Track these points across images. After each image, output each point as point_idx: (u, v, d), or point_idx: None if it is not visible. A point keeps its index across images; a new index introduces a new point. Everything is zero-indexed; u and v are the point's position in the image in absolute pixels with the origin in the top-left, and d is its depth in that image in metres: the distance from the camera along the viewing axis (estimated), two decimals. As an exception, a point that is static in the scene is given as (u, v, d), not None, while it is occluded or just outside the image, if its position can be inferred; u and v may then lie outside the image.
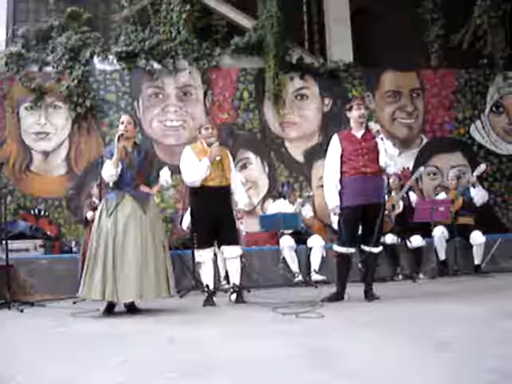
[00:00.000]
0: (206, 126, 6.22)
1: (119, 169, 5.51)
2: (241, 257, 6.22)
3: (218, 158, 6.01)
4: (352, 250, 5.80)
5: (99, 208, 5.64)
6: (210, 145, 6.06)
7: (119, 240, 5.40)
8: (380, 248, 5.90)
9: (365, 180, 5.68)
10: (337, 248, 5.89)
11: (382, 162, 5.70)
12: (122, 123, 5.70)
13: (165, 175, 5.92)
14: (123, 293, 5.33)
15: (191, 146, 6.31)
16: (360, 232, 5.91)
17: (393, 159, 5.73)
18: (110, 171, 5.49)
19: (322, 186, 9.70)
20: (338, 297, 5.76)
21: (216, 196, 5.99)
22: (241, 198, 6.32)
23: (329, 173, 5.92)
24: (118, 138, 5.54)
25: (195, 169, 5.98)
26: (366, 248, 5.83)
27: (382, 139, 5.70)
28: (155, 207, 5.96)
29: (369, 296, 5.69)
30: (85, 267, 5.46)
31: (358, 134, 5.82)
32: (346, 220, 5.78)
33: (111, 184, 5.62)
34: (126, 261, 5.37)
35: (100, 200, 6.22)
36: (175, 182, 9.59)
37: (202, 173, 5.93)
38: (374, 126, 5.78)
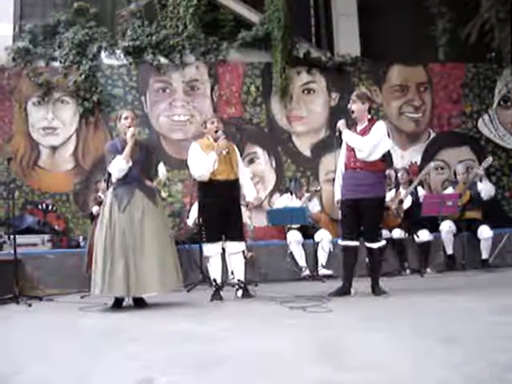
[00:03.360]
0: (212, 120, 6.23)
1: (129, 164, 5.53)
2: (243, 251, 6.24)
3: (225, 152, 6.02)
4: (354, 243, 5.81)
5: (107, 203, 5.61)
6: (216, 139, 6.08)
7: (137, 235, 5.46)
8: (380, 243, 5.86)
9: (354, 174, 5.75)
10: (340, 241, 5.98)
11: (357, 156, 5.70)
12: (126, 118, 5.73)
13: (161, 169, 6.03)
14: (146, 287, 5.42)
15: (198, 141, 6.32)
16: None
17: (363, 150, 5.62)
18: (121, 166, 5.50)
19: (329, 181, 9.76)
20: (344, 290, 5.77)
21: (224, 190, 6.00)
22: (249, 192, 6.33)
23: (337, 168, 6.05)
24: (133, 134, 5.61)
25: (203, 162, 6.00)
26: (367, 244, 5.85)
27: (340, 133, 5.82)
28: (160, 200, 6.02)
29: (376, 291, 5.69)
30: (101, 264, 5.39)
31: (358, 128, 5.85)
32: (342, 213, 5.94)
33: (115, 179, 5.61)
34: (147, 255, 5.45)
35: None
36: (183, 176, 9.68)
37: (210, 166, 5.95)
38: (338, 123, 5.89)
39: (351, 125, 5.93)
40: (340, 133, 5.86)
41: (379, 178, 5.77)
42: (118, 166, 5.51)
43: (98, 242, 5.54)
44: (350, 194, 5.72)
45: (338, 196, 5.98)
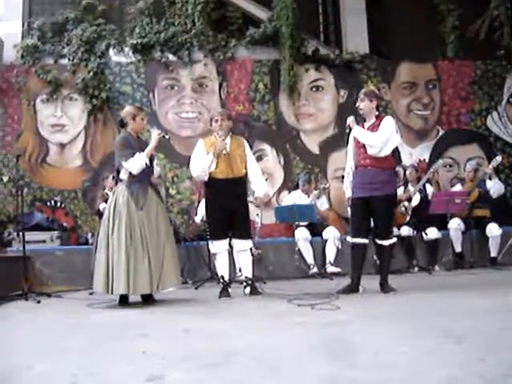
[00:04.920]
0: (216, 118, 6.17)
1: (148, 162, 5.60)
2: (251, 248, 6.23)
3: (224, 152, 5.98)
4: (363, 240, 5.81)
5: (121, 201, 5.54)
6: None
7: (155, 231, 5.52)
8: (391, 240, 5.83)
9: (365, 173, 5.75)
10: (349, 238, 5.99)
11: (368, 152, 5.70)
12: (143, 119, 5.82)
13: (157, 166, 6.09)
14: (166, 281, 5.52)
15: (204, 139, 6.30)
16: (372, 225, 5.94)
17: (374, 146, 5.62)
18: (143, 163, 5.54)
19: (337, 178, 9.78)
20: (352, 288, 5.76)
21: (226, 188, 5.96)
22: (258, 187, 6.26)
23: (346, 166, 6.07)
24: (163, 135, 5.80)
25: (200, 163, 6.01)
26: (377, 241, 5.84)
27: (351, 130, 5.84)
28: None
29: (384, 288, 5.68)
30: (124, 263, 5.32)
31: (366, 125, 5.86)
32: (352, 211, 5.95)
33: (128, 176, 5.60)
34: (165, 250, 5.54)
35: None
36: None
37: (206, 168, 5.95)
38: (348, 120, 5.88)
39: (359, 122, 5.92)
40: (350, 130, 5.85)
41: (390, 176, 5.76)
42: (140, 163, 5.52)
43: (113, 240, 5.45)
44: (362, 191, 5.72)
45: (348, 193, 5.99)
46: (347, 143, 6.08)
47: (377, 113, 5.85)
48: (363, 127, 5.83)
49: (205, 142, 6.19)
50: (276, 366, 2.74)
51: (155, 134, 5.73)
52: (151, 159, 5.77)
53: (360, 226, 5.84)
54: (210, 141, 6.14)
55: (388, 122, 5.73)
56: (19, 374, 2.79)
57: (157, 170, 6.06)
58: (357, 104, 5.89)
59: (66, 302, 6.15)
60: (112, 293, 5.40)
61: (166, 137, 5.95)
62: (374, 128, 5.72)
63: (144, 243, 5.41)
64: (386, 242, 5.78)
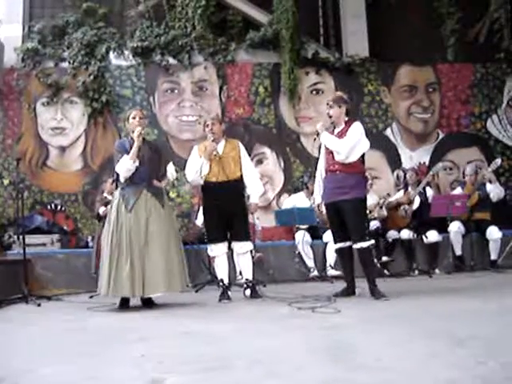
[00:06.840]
0: (207, 123, 6.17)
1: (136, 164, 5.53)
2: (251, 251, 6.20)
3: (214, 154, 5.95)
4: (346, 244, 5.76)
5: (114, 203, 5.59)
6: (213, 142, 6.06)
7: (143, 235, 5.44)
8: (368, 242, 5.60)
9: (333, 177, 5.72)
10: (332, 244, 6.03)
11: (336, 158, 5.67)
12: (134, 118, 5.71)
13: (170, 169, 6.00)
14: (152, 287, 5.40)
15: (199, 145, 6.28)
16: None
17: (341, 152, 5.56)
18: (128, 166, 5.49)
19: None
20: (348, 291, 5.75)
21: (220, 191, 5.95)
22: (254, 192, 6.25)
23: (317, 172, 6.08)
24: (140, 133, 5.57)
25: (192, 167, 6.03)
26: (354, 246, 5.68)
27: (317, 139, 5.84)
28: (168, 200, 6.00)
29: (375, 294, 5.44)
30: (107, 264, 5.37)
31: (335, 131, 5.83)
32: (328, 217, 5.95)
33: (123, 179, 5.60)
34: (153, 255, 5.42)
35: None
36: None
37: (198, 170, 5.95)
38: (317, 126, 5.89)
39: (330, 128, 5.88)
40: (318, 135, 5.83)
41: (359, 180, 5.67)
42: (125, 166, 5.49)
43: (104, 242, 5.56)
44: (331, 196, 5.71)
45: (318, 200, 6.02)
46: (318, 151, 6.08)
47: (346, 118, 5.80)
48: (333, 133, 5.80)
49: (199, 147, 6.19)
50: (276, 370, 2.73)
51: (136, 132, 5.57)
52: (159, 163, 5.79)
53: (338, 230, 5.80)
54: (204, 145, 6.11)
55: (355, 128, 5.67)
56: (21, 377, 2.79)
57: (172, 174, 6.01)
58: (326, 111, 5.87)
59: (66, 306, 6.14)
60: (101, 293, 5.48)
61: (142, 132, 5.64)
62: (342, 134, 5.67)
63: (129, 246, 5.39)
64: (364, 244, 5.58)
